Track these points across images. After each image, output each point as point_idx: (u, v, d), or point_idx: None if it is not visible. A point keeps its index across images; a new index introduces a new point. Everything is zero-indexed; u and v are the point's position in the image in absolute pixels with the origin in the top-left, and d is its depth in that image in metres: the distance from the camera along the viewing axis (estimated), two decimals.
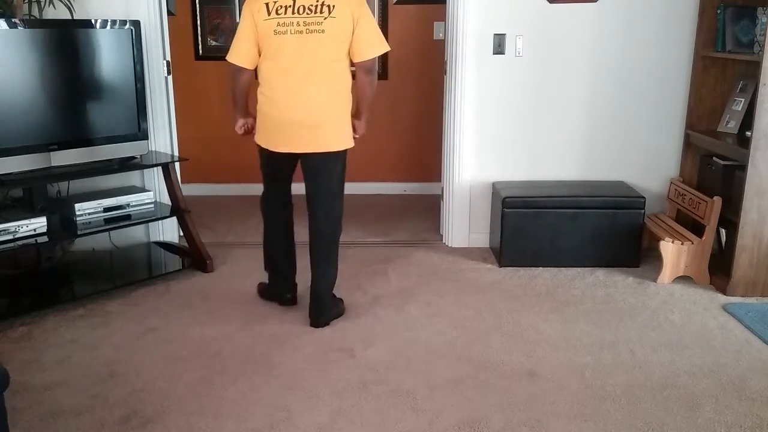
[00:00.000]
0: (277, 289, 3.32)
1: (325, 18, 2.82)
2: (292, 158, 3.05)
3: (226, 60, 2.99)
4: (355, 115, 3.06)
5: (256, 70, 3.01)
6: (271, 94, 2.94)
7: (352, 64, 2.97)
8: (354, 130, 3.06)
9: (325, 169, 3.03)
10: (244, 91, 3.04)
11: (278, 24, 2.84)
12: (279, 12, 2.84)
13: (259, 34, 2.88)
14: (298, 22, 2.82)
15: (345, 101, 2.99)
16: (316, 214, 3.09)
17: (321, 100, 2.92)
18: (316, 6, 2.82)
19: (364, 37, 2.89)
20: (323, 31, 2.83)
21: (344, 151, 3.05)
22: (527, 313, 3.26)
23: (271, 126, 2.99)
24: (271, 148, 3.02)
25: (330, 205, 3.08)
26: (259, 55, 2.94)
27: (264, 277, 3.41)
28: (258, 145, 3.08)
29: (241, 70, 2.96)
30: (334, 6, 2.82)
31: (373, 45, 2.92)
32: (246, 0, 2.92)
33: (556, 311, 3.28)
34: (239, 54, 2.94)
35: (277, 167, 3.12)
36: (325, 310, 3.12)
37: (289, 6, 2.83)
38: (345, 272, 3.74)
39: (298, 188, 3.16)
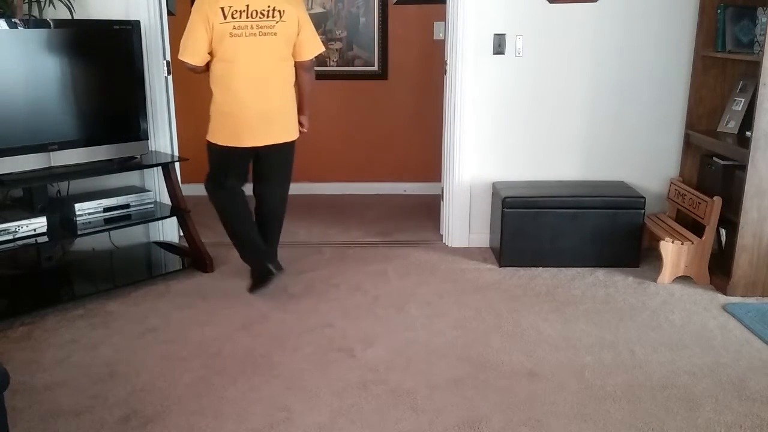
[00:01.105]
0: (260, 268, 3.43)
1: (277, 22, 3.14)
2: (251, 152, 3.33)
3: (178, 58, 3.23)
4: (300, 110, 3.41)
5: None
6: (230, 94, 3.20)
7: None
8: (301, 125, 3.45)
9: (285, 156, 3.41)
10: (199, 74, 3.35)
11: (234, 27, 3.10)
12: (234, 16, 3.10)
13: (214, 37, 3.13)
14: (252, 26, 3.11)
15: (292, 97, 3.34)
16: (272, 194, 3.49)
17: (277, 96, 3.25)
18: (268, 11, 3.12)
19: (306, 40, 3.24)
20: (275, 34, 3.14)
21: (294, 141, 3.42)
22: (527, 313, 3.26)
23: (233, 123, 3.24)
24: (234, 144, 3.26)
25: (285, 188, 3.52)
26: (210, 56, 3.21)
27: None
28: (212, 143, 3.32)
29: (194, 68, 3.24)
30: (284, 11, 3.14)
31: (314, 46, 3.29)
32: (196, 2, 3.15)
33: (556, 311, 3.28)
34: (194, 54, 3.18)
35: (236, 162, 3.38)
36: (273, 257, 3.47)
37: (243, 11, 3.10)
38: (345, 272, 3.75)
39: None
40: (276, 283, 3.44)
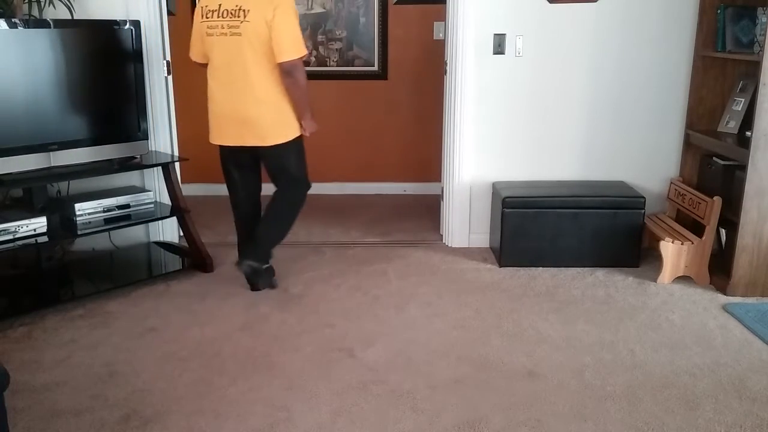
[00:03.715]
0: (240, 252, 3.49)
1: (242, 22, 3.08)
2: (241, 150, 3.28)
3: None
4: (299, 117, 3.27)
5: None
6: (210, 92, 3.26)
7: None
8: (304, 129, 3.30)
9: (274, 161, 3.32)
10: None
11: (208, 27, 3.15)
12: (209, 16, 3.14)
13: (200, 35, 3.21)
14: (222, 25, 3.11)
15: (272, 99, 3.18)
16: (274, 195, 3.39)
17: (246, 100, 3.16)
18: (235, 10, 3.08)
19: (277, 41, 3.07)
20: (240, 34, 3.09)
21: (287, 144, 3.26)
22: (527, 313, 3.26)
23: (214, 122, 3.29)
24: (216, 141, 3.32)
25: (285, 193, 3.38)
26: None
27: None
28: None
29: (200, 64, 3.31)
30: (249, 10, 3.06)
31: (286, 48, 3.08)
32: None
33: (556, 311, 3.28)
34: (193, 51, 3.31)
35: (229, 158, 3.38)
36: (258, 256, 3.37)
37: (215, 10, 3.12)
38: (345, 272, 3.75)
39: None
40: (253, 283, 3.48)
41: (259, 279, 3.43)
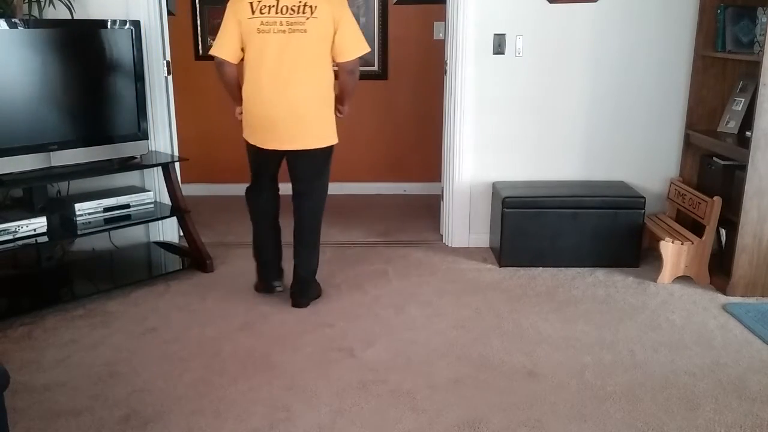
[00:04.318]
0: (265, 279, 3.42)
1: (307, 18, 2.93)
2: (278, 154, 3.16)
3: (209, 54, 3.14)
4: (339, 101, 3.20)
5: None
6: (256, 92, 3.04)
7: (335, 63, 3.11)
8: (339, 111, 3.23)
9: (309, 165, 3.16)
10: (231, 82, 3.15)
11: (262, 23, 2.95)
12: (263, 11, 2.94)
13: (243, 33, 2.99)
14: (281, 22, 2.93)
15: (327, 100, 3.10)
16: (301, 207, 3.24)
17: (303, 99, 3.02)
18: (299, 6, 2.92)
19: (345, 39, 2.99)
20: (305, 31, 2.93)
21: (328, 148, 3.17)
22: (527, 313, 3.26)
23: (257, 124, 3.09)
24: (258, 145, 3.13)
25: (315, 197, 3.25)
26: (243, 53, 3.05)
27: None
28: (245, 140, 3.19)
29: (224, 63, 3.07)
30: (316, 7, 2.93)
31: (354, 46, 3.02)
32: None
33: (556, 311, 3.28)
34: (222, 48, 3.05)
35: (264, 162, 3.23)
36: (307, 292, 3.31)
37: (273, 6, 2.94)
38: (345, 272, 3.75)
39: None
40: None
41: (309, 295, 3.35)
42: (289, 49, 2.95)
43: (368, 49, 3.09)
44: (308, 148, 3.09)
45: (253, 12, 2.96)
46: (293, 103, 3.01)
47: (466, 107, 3.99)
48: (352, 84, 3.14)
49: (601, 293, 3.49)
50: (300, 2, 2.92)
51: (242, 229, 4.52)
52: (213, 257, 3.81)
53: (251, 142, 3.15)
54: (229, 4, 3.04)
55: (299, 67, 2.97)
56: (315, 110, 3.06)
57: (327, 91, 3.08)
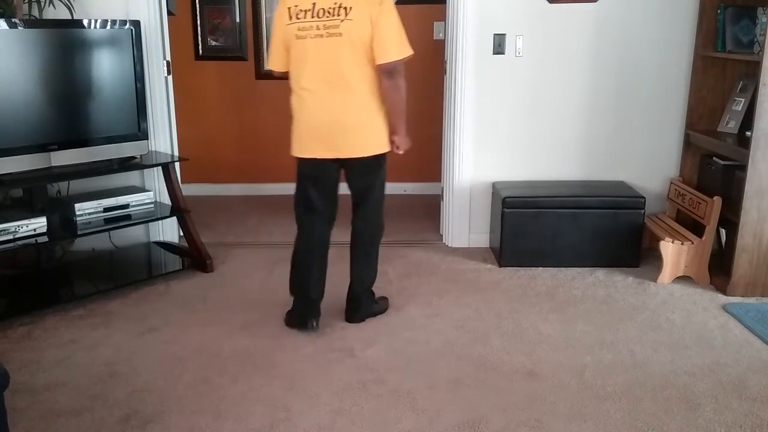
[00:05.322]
0: (301, 314, 3.08)
1: (342, 20, 2.76)
2: (330, 163, 2.95)
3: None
4: (392, 130, 2.95)
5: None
6: (299, 100, 2.90)
7: None
8: (395, 145, 2.98)
9: (363, 175, 3.00)
10: None
11: (299, 29, 2.80)
12: (299, 17, 2.80)
13: (286, 40, 2.86)
14: (317, 26, 2.78)
15: (370, 105, 2.89)
16: (355, 216, 3.09)
17: (346, 106, 2.85)
18: (334, 9, 2.76)
19: (379, 40, 2.79)
20: (340, 34, 2.76)
21: (381, 157, 2.98)
22: (527, 313, 3.26)
23: (304, 131, 2.92)
24: (305, 155, 2.95)
25: (369, 207, 3.07)
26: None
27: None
28: (294, 157, 3.01)
29: (282, 73, 2.96)
30: (351, 8, 2.76)
31: (389, 48, 2.80)
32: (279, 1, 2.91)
33: (556, 311, 3.28)
34: (273, 60, 2.95)
35: (315, 174, 3.00)
36: (360, 309, 3.15)
37: (309, 10, 2.79)
38: (345, 272, 3.74)
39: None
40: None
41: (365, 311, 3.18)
42: (326, 54, 2.79)
43: (410, 53, 2.85)
44: (350, 156, 2.91)
45: (290, 18, 2.81)
46: (331, 111, 2.85)
47: (466, 107, 3.99)
48: (395, 93, 2.86)
49: (601, 293, 3.49)
50: (335, 4, 2.75)
51: (242, 229, 4.53)
52: (213, 257, 3.81)
53: (296, 153, 2.96)
54: (275, 10, 2.94)
55: (335, 72, 2.81)
56: (354, 117, 2.87)
57: (372, 97, 2.88)
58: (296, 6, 2.80)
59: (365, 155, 2.91)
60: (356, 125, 2.88)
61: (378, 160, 2.97)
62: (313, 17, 2.78)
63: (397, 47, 2.82)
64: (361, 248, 3.14)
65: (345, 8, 2.75)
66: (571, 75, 3.96)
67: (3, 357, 2.79)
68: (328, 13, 2.77)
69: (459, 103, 3.98)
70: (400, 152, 3.01)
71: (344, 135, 2.88)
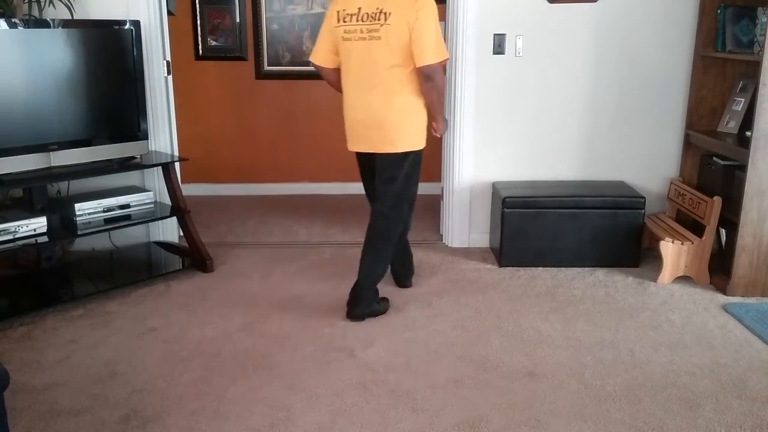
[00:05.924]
0: (397, 279, 3.57)
1: (381, 25, 2.96)
2: (371, 156, 3.20)
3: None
4: (431, 117, 3.18)
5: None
6: (346, 98, 3.16)
7: None
8: (434, 129, 3.23)
9: (387, 169, 3.16)
10: (335, 86, 3.27)
11: (345, 31, 3.04)
12: (346, 20, 3.03)
13: (334, 41, 3.11)
14: (361, 29, 3.00)
15: (407, 106, 3.07)
16: (375, 210, 3.27)
17: (380, 104, 3.06)
18: (376, 14, 2.97)
19: (418, 45, 2.95)
20: (380, 38, 2.97)
21: (408, 154, 3.12)
22: (527, 313, 3.26)
23: (348, 127, 3.20)
24: (351, 148, 3.24)
25: (389, 203, 3.20)
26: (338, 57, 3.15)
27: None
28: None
29: (320, 68, 3.21)
30: (390, 13, 2.95)
31: (425, 52, 2.95)
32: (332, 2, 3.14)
33: (556, 311, 3.28)
34: (316, 54, 3.20)
35: (362, 169, 3.34)
36: (361, 303, 3.18)
37: (355, 14, 3.01)
38: (345, 272, 3.74)
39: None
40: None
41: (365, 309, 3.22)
42: (368, 57, 3.02)
43: (446, 56, 3.05)
44: (381, 152, 3.12)
45: (338, 21, 3.05)
46: (369, 109, 3.08)
47: (466, 107, 3.99)
48: (432, 93, 3.05)
49: (601, 293, 3.49)
50: (377, 9, 2.96)
51: (242, 229, 4.53)
52: (213, 257, 3.81)
53: (348, 147, 3.25)
54: (328, 8, 3.15)
55: (373, 72, 3.02)
56: (390, 116, 3.06)
57: (406, 97, 3.05)
58: (344, 10, 3.03)
59: (392, 152, 3.10)
60: (387, 123, 3.08)
61: (402, 157, 3.12)
62: (358, 21, 3.01)
63: (433, 52, 2.97)
64: (372, 240, 3.24)
65: (385, 13, 2.96)
66: (571, 75, 3.96)
67: (3, 357, 2.79)
68: (371, 17, 2.98)
69: (459, 103, 3.98)
70: (438, 135, 3.29)
71: (375, 131, 3.10)
